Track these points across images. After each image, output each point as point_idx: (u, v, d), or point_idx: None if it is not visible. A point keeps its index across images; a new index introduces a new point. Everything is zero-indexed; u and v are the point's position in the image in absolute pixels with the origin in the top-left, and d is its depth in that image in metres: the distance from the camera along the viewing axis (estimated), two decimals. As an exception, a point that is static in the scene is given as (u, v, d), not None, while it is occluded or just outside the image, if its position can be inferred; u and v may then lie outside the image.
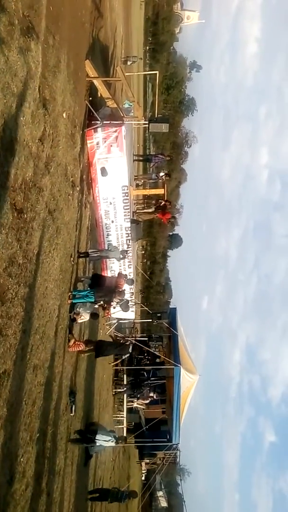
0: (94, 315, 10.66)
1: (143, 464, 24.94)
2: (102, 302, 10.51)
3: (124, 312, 14.14)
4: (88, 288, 10.13)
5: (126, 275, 13.03)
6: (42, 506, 6.72)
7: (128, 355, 14.58)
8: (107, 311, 13.72)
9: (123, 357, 15.65)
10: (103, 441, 10.28)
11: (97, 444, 10.20)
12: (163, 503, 66.37)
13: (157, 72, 26.24)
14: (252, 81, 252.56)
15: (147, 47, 68.55)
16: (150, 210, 16.24)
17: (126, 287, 11.90)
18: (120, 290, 10.46)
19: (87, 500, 10.52)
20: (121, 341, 13.95)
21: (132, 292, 15.26)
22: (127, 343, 13.65)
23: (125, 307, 12.02)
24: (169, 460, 20.44)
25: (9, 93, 5.45)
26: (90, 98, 11.55)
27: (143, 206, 17.05)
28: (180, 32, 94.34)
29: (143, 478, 30.66)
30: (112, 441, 10.57)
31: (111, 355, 14.10)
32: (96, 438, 10.08)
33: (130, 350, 13.00)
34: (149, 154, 36.02)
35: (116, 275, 12.86)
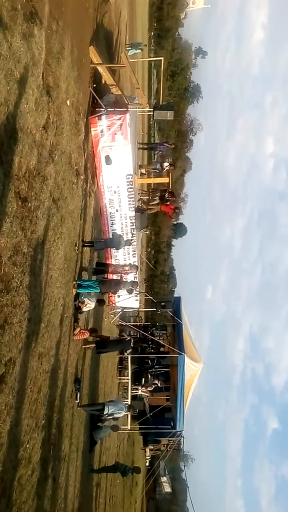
0: (100, 301, 10.73)
1: (147, 450, 25.22)
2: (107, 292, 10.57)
3: (128, 301, 14.19)
4: (94, 278, 10.16)
5: (131, 264, 13.05)
6: (48, 491, 6.83)
7: (130, 350, 14.70)
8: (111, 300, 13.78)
9: (126, 353, 15.77)
10: (116, 412, 10.55)
11: (109, 414, 10.42)
12: (167, 488, 67.51)
13: (162, 58, 25.99)
14: (258, 68, 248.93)
15: (152, 33, 67.48)
16: (155, 202, 16.09)
17: (131, 276, 11.91)
18: (125, 280, 10.52)
19: (91, 472, 10.69)
20: (123, 338, 14.01)
21: (136, 281, 15.28)
22: (127, 339, 13.76)
23: (130, 291, 11.96)
24: (173, 446, 20.66)
25: (12, 80, 5.40)
26: (94, 85, 11.42)
27: (147, 197, 16.94)
28: (185, 17, 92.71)
29: (147, 464, 31.10)
30: (122, 412, 10.89)
31: (114, 351, 14.19)
32: (105, 413, 10.30)
33: (131, 345, 13.09)
34: (154, 142, 35.76)
35: (121, 264, 12.89)
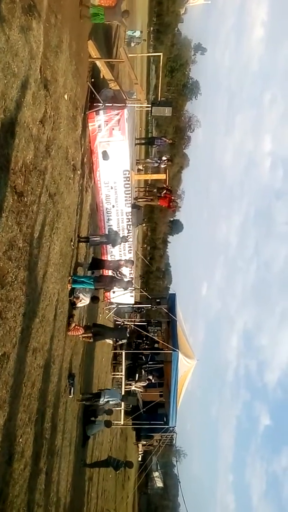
0: (94, 299, 10.71)
1: (140, 445, 25.38)
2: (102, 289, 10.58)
3: (123, 297, 14.20)
4: (89, 275, 10.16)
5: (126, 259, 13.04)
6: (41, 485, 6.86)
7: (125, 340, 14.77)
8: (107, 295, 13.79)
9: (121, 342, 15.82)
10: (111, 400, 10.85)
11: (104, 401, 10.63)
12: (159, 483, 67.94)
13: (161, 54, 25.90)
14: (257, 65, 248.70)
15: (151, 28, 67.13)
16: (151, 198, 16.16)
17: (126, 271, 11.90)
18: (120, 279, 10.53)
19: (83, 466, 10.77)
20: (119, 326, 14.12)
21: (131, 277, 15.30)
22: (124, 327, 13.83)
23: (125, 287, 11.95)
24: (166, 442, 20.80)
25: (9, 74, 5.36)
26: (93, 80, 11.36)
27: (144, 194, 16.93)
28: (185, 13, 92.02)
29: (139, 459, 31.26)
30: (117, 400, 11.25)
31: (110, 338, 14.26)
32: (102, 400, 10.59)
33: (127, 334, 13.13)
34: (152, 137, 35.60)
35: (116, 260, 12.89)
